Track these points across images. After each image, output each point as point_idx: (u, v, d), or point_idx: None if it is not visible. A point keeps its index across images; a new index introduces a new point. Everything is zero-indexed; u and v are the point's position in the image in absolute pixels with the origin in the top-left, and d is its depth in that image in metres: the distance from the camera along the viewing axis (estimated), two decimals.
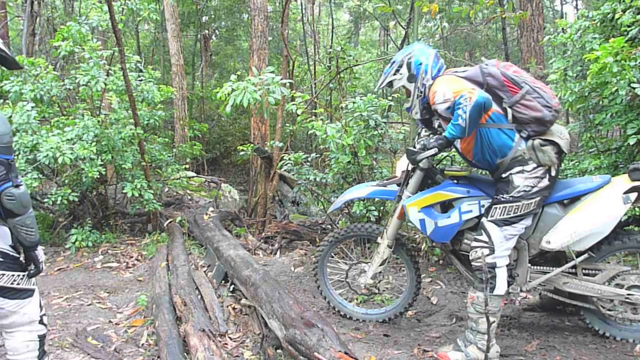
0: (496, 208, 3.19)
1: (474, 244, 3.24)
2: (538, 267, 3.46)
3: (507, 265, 3.20)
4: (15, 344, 2.58)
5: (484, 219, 3.24)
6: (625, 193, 3.18)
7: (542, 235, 3.30)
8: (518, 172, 3.17)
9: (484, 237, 3.20)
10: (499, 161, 3.25)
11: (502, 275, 3.17)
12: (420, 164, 3.52)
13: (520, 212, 3.15)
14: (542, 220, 3.31)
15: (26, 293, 2.54)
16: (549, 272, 3.42)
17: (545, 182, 3.17)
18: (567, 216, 3.23)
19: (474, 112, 3.00)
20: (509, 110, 3.20)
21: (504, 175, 3.23)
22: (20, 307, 2.52)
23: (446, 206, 3.50)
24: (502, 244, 3.17)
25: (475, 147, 3.30)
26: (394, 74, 3.56)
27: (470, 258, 3.25)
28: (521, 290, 3.46)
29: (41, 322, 2.64)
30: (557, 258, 3.52)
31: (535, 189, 3.15)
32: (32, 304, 2.57)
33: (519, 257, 3.43)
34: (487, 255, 3.16)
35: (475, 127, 3.16)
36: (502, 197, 3.19)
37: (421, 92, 3.47)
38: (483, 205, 3.35)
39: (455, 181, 3.51)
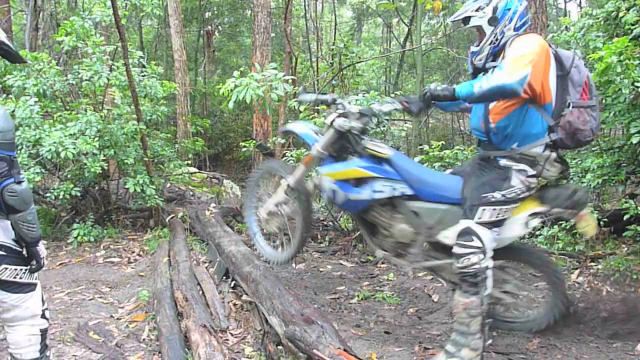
0: (485, 210, 2.96)
1: (463, 250, 2.99)
2: (432, 252, 3.41)
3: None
4: (17, 338, 2.59)
5: (470, 222, 2.99)
6: (530, 216, 3.08)
7: (443, 228, 3.20)
8: (520, 171, 2.96)
9: (476, 243, 2.95)
10: (512, 146, 2.98)
11: (491, 274, 3.03)
12: (337, 126, 3.28)
13: (506, 215, 3.01)
14: (450, 214, 3.19)
15: (28, 287, 2.55)
16: (439, 260, 3.35)
17: (526, 193, 3.05)
18: (470, 220, 3.02)
19: (497, 90, 2.73)
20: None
21: (502, 163, 2.99)
22: (23, 301, 2.53)
23: (359, 180, 3.33)
24: (492, 244, 3.01)
25: (511, 116, 2.95)
26: (476, 10, 3.03)
27: (461, 265, 2.99)
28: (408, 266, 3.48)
29: (43, 316, 2.65)
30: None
31: (521, 196, 3.01)
32: (34, 298, 2.58)
33: (417, 238, 3.34)
34: (482, 260, 2.96)
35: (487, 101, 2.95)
36: (493, 197, 2.95)
37: (497, 40, 3.01)
38: (395, 189, 3.22)
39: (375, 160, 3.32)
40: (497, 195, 2.95)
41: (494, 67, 2.88)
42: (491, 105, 2.99)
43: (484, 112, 3.05)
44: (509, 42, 2.95)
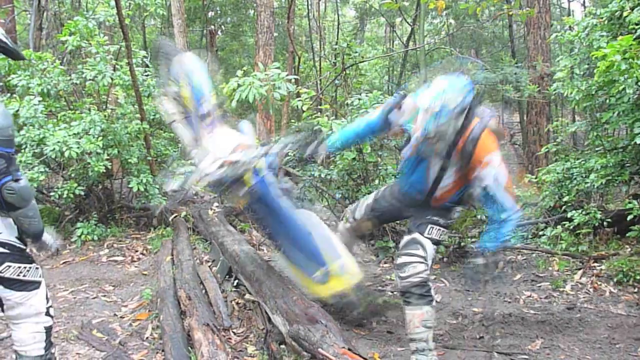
0: (433, 228, 3.19)
1: (409, 259, 3.12)
2: None
3: None
4: (22, 335, 2.60)
5: (418, 235, 3.19)
6: None
7: None
8: (459, 208, 3.40)
9: (421, 252, 3.13)
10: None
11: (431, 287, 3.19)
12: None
13: (443, 238, 3.32)
14: None
15: (32, 285, 2.56)
16: None
17: None
18: (418, 233, 3.28)
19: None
20: None
21: (448, 204, 3.25)
22: (27, 298, 2.54)
23: None
24: (431, 258, 3.19)
25: (457, 192, 3.19)
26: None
27: (407, 274, 3.10)
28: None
29: (47, 313, 2.66)
30: None
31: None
32: (38, 296, 2.59)
33: None
34: (425, 270, 3.10)
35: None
36: (441, 221, 3.21)
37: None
38: None
39: None
40: (442, 221, 3.23)
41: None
42: (443, 185, 3.13)
43: (431, 188, 3.17)
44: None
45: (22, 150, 5.64)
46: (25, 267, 2.50)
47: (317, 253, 3.52)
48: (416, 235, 3.19)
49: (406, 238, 3.25)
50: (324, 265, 3.49)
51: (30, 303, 2.56)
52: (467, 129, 2.85)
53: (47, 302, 2.67)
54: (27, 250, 2.53)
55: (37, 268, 2.61)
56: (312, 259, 3.53)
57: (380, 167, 5.71)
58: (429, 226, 3.20)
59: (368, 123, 3.38)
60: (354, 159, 5.49)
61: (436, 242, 3.23)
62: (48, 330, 2.68)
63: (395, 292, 4.51)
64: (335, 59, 7.66)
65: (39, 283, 2.61)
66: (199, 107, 3.46)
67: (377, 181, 5.83)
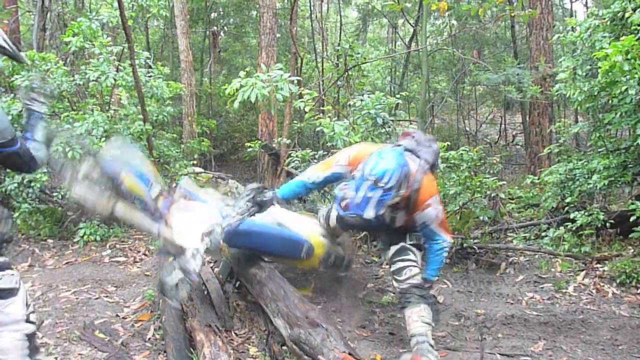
0: (411, 235, 3.43)
1: (402, 264, 3.38)
2: None
3: None
4: (3, 344, 2.52)
5: (404, 243, 3.44)
6: None
7: None
8: None
9: (412, 257, 3.40)
10: None
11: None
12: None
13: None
14: None
15: (9, 293, 2.47)
16: None
17: None
18: (402, 242, 3.55)
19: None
20: None
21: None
22: (3, 307, 2.45)
23: None
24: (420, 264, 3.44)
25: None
26: None
27: (405, 277, 3.34)
28: None
29: (28, 320, 2.54)
30: None
31: None
32: (15, 303, 2.48)
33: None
34: (419, 273, 3.37)
35: None
36: (415, 230, 3.40)
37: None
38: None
39: None
40: (415, 229, 3.42)
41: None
42: (398, 223, 3.40)
43: (389, 225, 3.43)
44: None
45: None
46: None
47: (295, 236, 3.85)
48: (403, 243, 3.44)
49: (394, 247, 3.46)
50: (305, 242, 3.82)
51: (7, 311, 2.44)
52: (409, 181, 3.14)
53: (27, 308, 2.57)
54: (1, 259, 2.44)
55: (12, 275, 2.47)
56: (293, 244, 3.84)
57: None
58: (407, 235, 3.45)
59: (314, 182, 3.52)
60: None
61: (419, 247, 3.45)
62: (30, 337, 2.58)
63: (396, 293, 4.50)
64: (338, 60, 7.66)
65: (17, 290, 2.51)
66: (150, 190, 3.46)
67: None
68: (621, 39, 4.16)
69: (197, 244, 3.32)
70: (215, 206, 3.79)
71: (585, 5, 15.76)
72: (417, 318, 3.18)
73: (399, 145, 3.40)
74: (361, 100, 5.35)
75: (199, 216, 3.52)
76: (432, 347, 3.12)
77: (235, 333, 3.69)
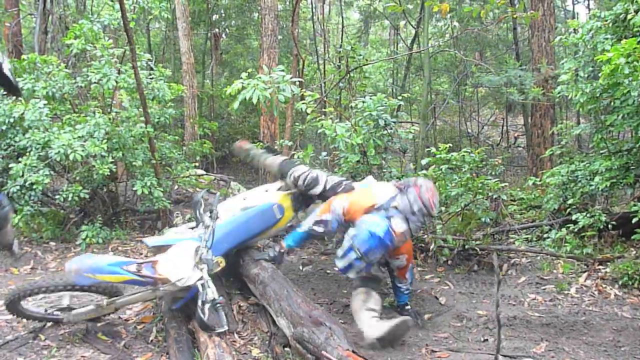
0: None
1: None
2: None
3: None
4: None
5: None
6: None
7: None
8: None
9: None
10: None
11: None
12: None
13: None
14: None
15: None
16: None
17: None
18: None
19: None
20: None
21: None
22: None
23: None
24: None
25: None
26: None
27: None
28: None
29: None
30: None
31: None
32: None
33: None
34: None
35: None
36: None
37: None
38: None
39: None
40: None
41: None
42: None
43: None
44: None
45: (27, 153, 5.68)
46: None
47: (261, 207, 4.33)
48: None
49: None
50: (271, 205, 4.37)
51: None
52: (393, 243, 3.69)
53: None
54: None
55: None
56: (265, 213, 4.31)
57: (384, 170, 5.71)
58: None
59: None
60: (358, 161, 5.49)
61: None
62: None
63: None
64: (340, 61, 7.68)
65: None
66: (128, 269, 3.49)
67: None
68: (623, 41, 4.16)
69: (197, 275, 3.40)
70: (189, 236, 3.93)
71: (588, 7, 15.77)
72: None
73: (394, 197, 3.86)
74: (363, 102, 5.36)
75: (183, 254, 3.58)
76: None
77: (237, 335, 3.70)
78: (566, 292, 4.53)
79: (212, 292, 3.30)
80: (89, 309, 3.65)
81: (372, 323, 3.61)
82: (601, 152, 5.44)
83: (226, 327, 3.28)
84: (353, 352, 2.78)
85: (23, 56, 6.54)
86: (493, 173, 5.61)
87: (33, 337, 3.59)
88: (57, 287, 3.47)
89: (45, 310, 3.68)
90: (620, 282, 4.51)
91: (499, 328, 2.76)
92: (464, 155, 5.29)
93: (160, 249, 3.92)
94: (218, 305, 3.26)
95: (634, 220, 4.68)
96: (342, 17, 17.87)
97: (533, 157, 10.28)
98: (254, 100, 4.37)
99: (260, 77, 4.52)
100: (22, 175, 5.52)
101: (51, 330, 3.69)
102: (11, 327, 3.76)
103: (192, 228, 4.27)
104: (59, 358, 3.36)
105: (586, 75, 5.33)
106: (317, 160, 6.21)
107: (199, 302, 3.25)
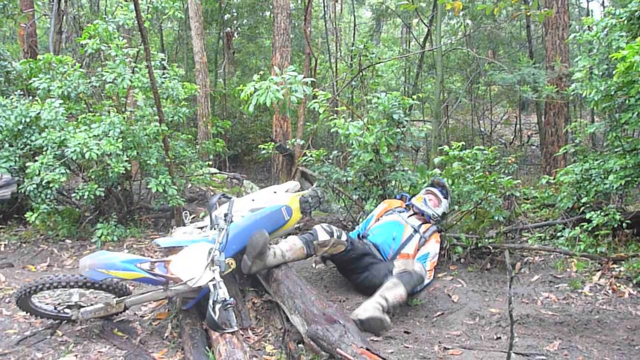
0: None
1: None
2: None
3: None
4: None
5: None
6: None
7: None
8: None
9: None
10: None
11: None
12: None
13: None
14: None
15: None
16: None
17: None
18: None
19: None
20: None
21: None
22: None
23: None
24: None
25: None
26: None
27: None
28: None
29: None
30: None
31: None
32: None
33: None
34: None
35: None
36: None
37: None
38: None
39: None
40: None
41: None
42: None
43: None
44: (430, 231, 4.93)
45: (44, 152, 5.75)
46: None
47: (270, 209, 4.42)
48: None
49: None
50: (280, 207, 4.48)
51: None
52: None
53: None
54: None
55: None
56: (274, 215, 4.40)
57: (396, 168, 5.72)
58: None
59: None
60: (370, 160, 5.50)
61: None
62: None
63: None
64: (352, 60, 7.69)
65: None
66: (141, 267, 3.53)
67: (393, 182, 5.84)
68: (638, 38, 4.14)
69: (209, 277, 3.46)
70: (198, 237, 4.02)
71: (602, 4, 15.63)
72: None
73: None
74: (378, 98, 5.38)
75: (196, 255, 3.64)
76: None
77: (251, 331, 3.73)
78: (580, 290, 4.51)
79: (223, 292, 3.35)
80: (98, 307, 3.69)
81: (368, 307, 3.76)
82: (616, 150, 5.40)
83: (235, 328, 3.33)
84: (367, 349, 2.80)
85: (39, 56, 6.61)
86: (506, 171, 5.58)
87: (50, 333, 3.64)
88: (66, 283, 3.51)
89: (55, 308, 3.73)
90: (634, 281, 4.48)
91: (512, 326, 2.76)
92: (476, 153, 5.28)
93: (171, 250, 3.98)
94: (229, 305, 3.30)
95: None
96: (354, 15, 17.88)
97: (547, 156, 10.22)
98: (268, 104, 4.41)
99: (272, 79, 4.53)
100: (39, 174, 5.59)
101: (68, 327, 3.75)
102: (29, 322, 3.82)
103: (200, 228, 4.32)
104: (76, 353, 3.42)
105: (601, 73, 5.29)
106: (329, 160, 6.23)
107: (210, 302, 3.30)
